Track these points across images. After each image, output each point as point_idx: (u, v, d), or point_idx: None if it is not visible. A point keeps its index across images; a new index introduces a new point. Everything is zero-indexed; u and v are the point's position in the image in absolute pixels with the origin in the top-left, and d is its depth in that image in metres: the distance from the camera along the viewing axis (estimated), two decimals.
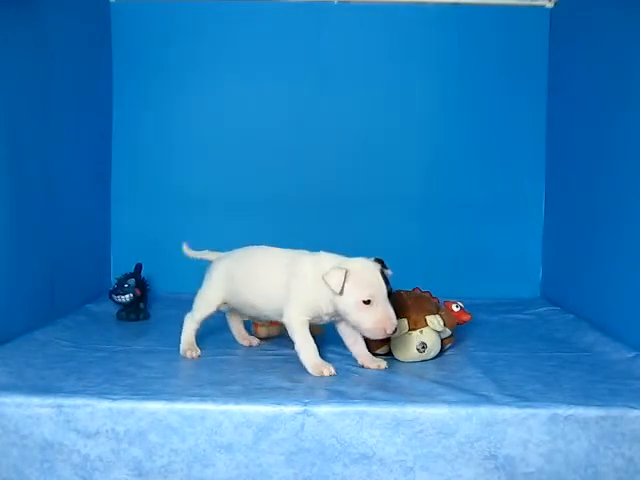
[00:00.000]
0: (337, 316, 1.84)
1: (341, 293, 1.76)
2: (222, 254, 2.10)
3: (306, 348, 1.82)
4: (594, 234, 2.36)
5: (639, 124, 2.04)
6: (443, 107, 2.91)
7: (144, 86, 2.89)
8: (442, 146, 2.92)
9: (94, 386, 1.66)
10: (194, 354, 1.95)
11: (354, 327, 1.80)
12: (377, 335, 1.76)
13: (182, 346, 1.98)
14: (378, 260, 1.84)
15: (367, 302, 1.74)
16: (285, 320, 1.85)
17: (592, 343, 2.11)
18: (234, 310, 2.08)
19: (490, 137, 2.91)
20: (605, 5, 2.32)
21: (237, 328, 2.14)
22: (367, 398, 1.59)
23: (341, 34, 2.88)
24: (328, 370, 1.77)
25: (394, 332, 1.76)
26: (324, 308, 1.82)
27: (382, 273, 1.81)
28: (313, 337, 1.99)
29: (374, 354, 1.91)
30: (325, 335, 2.04)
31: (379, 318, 1.74)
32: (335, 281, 1.76)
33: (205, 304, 2.02)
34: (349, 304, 1.76)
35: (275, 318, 1.92)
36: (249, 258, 2.01)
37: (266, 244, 2.07)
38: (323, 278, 1.77)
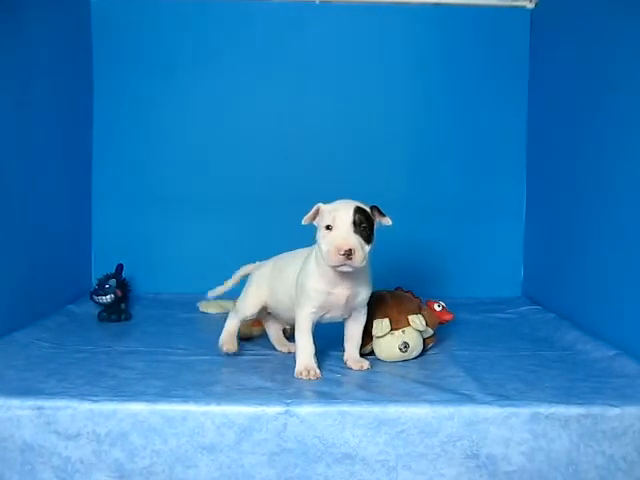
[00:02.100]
0: (352, 298, 1.82)
1: (307, 223, 1.78)
2: (260, 263, 2.10)
3: (301, 347, 1.81)
4: (575, 234, 2.37)
5: (619, 123, 2.06)
6: (424, 107, 2.91)
7: (125, 85, 2.88)
8: (423, 146, 2.92)
9: (75, 387, 1.65)
10: (230, 347, 1.96)
11: (324, 261, 1.74)
12: (332, 259, 1.69)
13: (221, 338, 1.99)
14: (373, 207, 1.79)
15: (329, 228, 1.73)
16: (295, 315, 1.85)
17: (573, 342, 2.13)
18: (271, 316, 2.07)
19: (471, 137, 2.92)
20: (585, 5, 2.33)
21: (275, 335, 2.10)
22: (349, 398, 1.60)
23: (322, 34, 2.88)
24: (308, 374, 1.76)
25: (349, 255, 1.67)
26: (333, 284, 1.79)
27: (363, 210, 1.75)
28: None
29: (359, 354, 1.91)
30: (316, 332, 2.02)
31: (333, 239, 1.70)
32: (305, 217, 1.79)
33: (246, 306, 2.01)
34: (319, 238, 1.75)
35: None
36: (284, 259, 2.00)
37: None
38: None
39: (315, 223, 1.80)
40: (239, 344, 2.01)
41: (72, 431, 1.52)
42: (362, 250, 1.71)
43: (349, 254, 1.68)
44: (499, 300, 2.80)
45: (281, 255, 2.04)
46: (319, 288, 1.79)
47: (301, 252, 1.94)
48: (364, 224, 1.73)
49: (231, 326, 2.02)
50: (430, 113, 2.92)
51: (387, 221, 1.80)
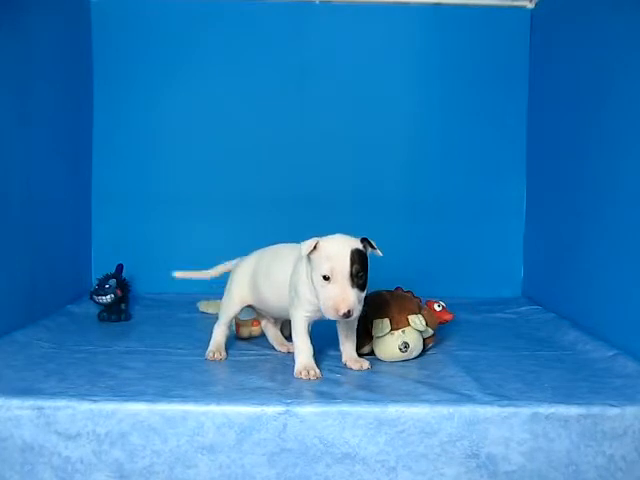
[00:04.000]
0: None
1: (309, 260, 1.74)
2: (240, 259, 2.09)
3: (299, 348, 1.81)
4: (574, 234, 2.37)
5: (619, 123, 2.06)
6: (425, 108, 2.92)
7: (125, 86, 2.88)
8: (424, 146, 2.93)
9: (75, 387, 1.65)
10: (218, 356, 1.95)
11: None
12: (330, 314, 1.69)
13: (209, 348, 1.98)
14: (364, 240, 1.76)
15: (327, 278, 1.69)
16: (291, 316, 1.84)
17: (573, 342, 2.13)
18: (265, 314, 2.07)
19: (472, 137, 2.92)
20: (585, 5, 2.33)
21: (273, 334, 2.10)
22: (349, 398, 1.59)
23: (323, 34, 2.88)
24: (308, 374, 1.76)
25: (348, 315, 1.67)
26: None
27: (359, 253, 1.72)
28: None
29: (358, 354, 1.91)
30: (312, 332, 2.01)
31: (331, 296, 1.68)
32: (305, 247, 1.73)
33: (228, 306, 2.02)
34: (315, 280, 1.72)
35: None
36: (268, 255, 1.98)
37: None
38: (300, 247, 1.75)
39: (310, 257, 1.75)
40: (228, 353, 2.00)
41: (72, 431, 1.52)
42: (359, 304, 1.71)
43: (347, 315, 1.68)
44: (499, 300, 2.81)
45: (263, 251, 2.02)
46: (312, 300, 1.78)
47: (288, 251, 1.91)
48: (361, 272, 1.71)
49: (219, 336, 2.01)
50: (430, 113, 2.92)
51: (378, 253, 1.78)
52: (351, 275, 1.69)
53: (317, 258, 1.73)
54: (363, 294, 1.73)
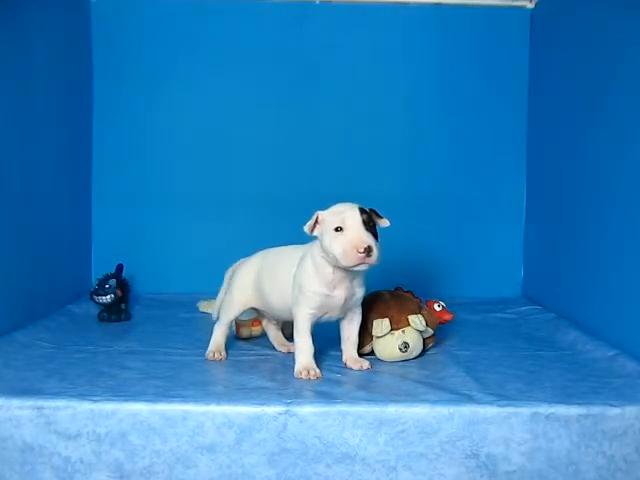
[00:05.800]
0: (349, 299, 1.82)
1: (312, 234, 1.77)
2: (242, 260, 2.09)
3: (301, 347, 1.81)
4: (574, 233, 2.37)
5: (619, 123, 2.06)
6: (424, 107, 2.91)
7: (125, 85, 2.88)
8: (423, 146, 2.92)
9: (75, 387, 1.65)
10: (218, 356, 1.95)
11: (336, 263, 1.72)
12: (351, 258, 1.68)
13: (209, 348, 1.98)
14: (371, 210, 1.78)
15: (339, 229, 1.71)
16: (294, 315, 1.84)
17: (573, 342, 2.13)
18: (267, 315, 2.07)
19: (471, 137, 2.92)
20: (585, 6, 2.33)
21: (274, 334, 2.09)
22: (349, 398, 1.59)
23: (322, 34, 2.88)
24: (308, 374, 1.76)
25: (369, 253, 1.67)
26: (331, 287, 1.78)
27: (366, 211, 1.75)
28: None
29: (358, 354, 1.91)
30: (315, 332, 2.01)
31: (348, 239, 1.69)
32: (307, 225, 1.77)
33: (230, 307, 2.01)
34: (325, 240, 1.73)
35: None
36: (272, 256, 1.98)
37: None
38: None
39: (316, 233, 1.78)
40: (228, 353, 2.00)
41: (72, 431, 1.52)
42: (377, 248, 1.71)
43: (369, 251, 1.68)
44: (499, 300, 2.81)
45: (267, 252, 2.02)
46: (318, 291, 1.79)
47: (291, 251, 1.92)
48: (371, 222, 1.74)
49: (219, 336, 2.01)
50: (430, 113, 2.92)
51: (385, 222, 1.80)
52: (363, 222, 1.72)
53: (325, 222, 1.75)
54: (377, 244, 1.72)
